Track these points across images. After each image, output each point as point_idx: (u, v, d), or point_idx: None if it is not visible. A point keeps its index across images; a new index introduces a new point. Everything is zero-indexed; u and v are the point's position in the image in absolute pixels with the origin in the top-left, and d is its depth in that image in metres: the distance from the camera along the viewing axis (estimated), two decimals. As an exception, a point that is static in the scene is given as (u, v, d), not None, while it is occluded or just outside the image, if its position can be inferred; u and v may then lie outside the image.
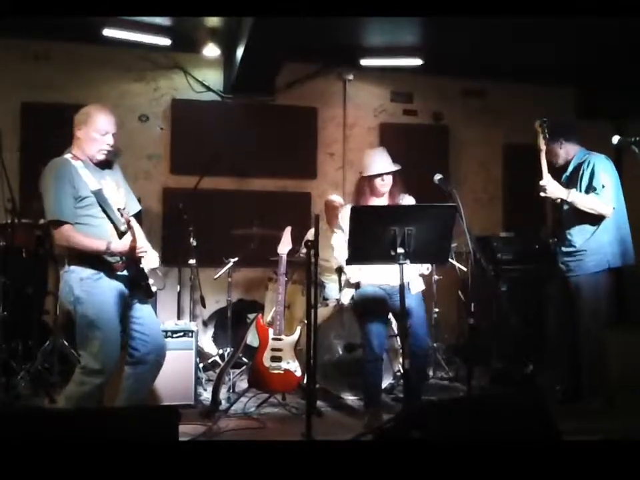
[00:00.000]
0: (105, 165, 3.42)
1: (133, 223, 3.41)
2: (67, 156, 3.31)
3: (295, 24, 4.91)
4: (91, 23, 5.53)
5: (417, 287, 4.09)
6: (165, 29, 5.82)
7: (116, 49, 6.10)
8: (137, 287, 3.34)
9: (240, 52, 5.68)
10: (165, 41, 5.96)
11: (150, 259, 3.37)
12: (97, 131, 3.29)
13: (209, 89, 6.52)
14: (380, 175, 4.01)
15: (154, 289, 3.39)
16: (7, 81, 5.96)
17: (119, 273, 3.28)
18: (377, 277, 4.05)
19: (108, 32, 5.70)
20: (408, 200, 4.10)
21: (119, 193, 3.43)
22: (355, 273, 4.11)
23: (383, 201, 4.11)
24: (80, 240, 3.18)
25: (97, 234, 3.23)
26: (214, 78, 6.54)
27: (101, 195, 3.25)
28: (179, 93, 6.47)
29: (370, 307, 4.10)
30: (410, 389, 3.68)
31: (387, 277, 3.99)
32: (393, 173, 4.04)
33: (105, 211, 3.26)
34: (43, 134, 5.89)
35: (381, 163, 4.04)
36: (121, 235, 3.27)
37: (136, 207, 3.58)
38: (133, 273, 3.30)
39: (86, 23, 5.49)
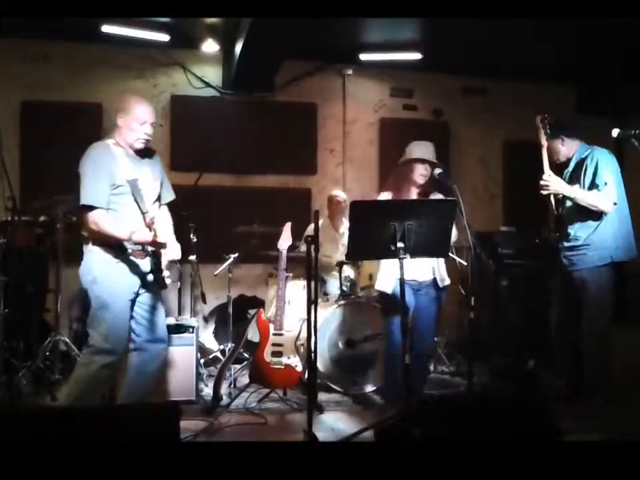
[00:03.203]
0: (144, 153, 3.49)
1: (164, 213, 3.59)
2: (109, 141, 3.38)
3: (294, 20, 4.89)
4: (90, 22, 5.51)
5: (445, 281, 4.18)
6: (163, 25, 5.80)
7: (115, 48, 6.08)
8: (152, 277, 3.39)
9: (239, 48, 5.66)
10: (164, 37, 5.94)
11: (171, 250, 3.45)
12: (136, 119, 3.37)
13: (208, 84, 6.51)
14: (424, 162, 3.99)
15: (168, 281, 3.45)
16: (7, 81, 5.95)
17: (137, 260, 3.35)
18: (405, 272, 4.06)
19: (107, 28, 5.69)
20: (437, 197, 4.08)
21: (154, 184, 3.51)
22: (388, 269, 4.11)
23: (414, 194, 4.09)
24: (107, 226, 3.26)
25: (126, 222, 3.28)
26: (213, 74, 6.52)
27: (135, 185, 3.31)
28: (178, 89, 6.46)
29: (393, 302, 4.10)
30: (410, 385, 3.68)
31: (415, 273, 4.00)
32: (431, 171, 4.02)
33: (136, 201, 3.32)
34: (43, 132, 5.92)
35: (427, 151, 4.03)
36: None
37: (170, 196, 3.69)
38: (151, 263, 3.37)
39: (85, 21, 5.47)
